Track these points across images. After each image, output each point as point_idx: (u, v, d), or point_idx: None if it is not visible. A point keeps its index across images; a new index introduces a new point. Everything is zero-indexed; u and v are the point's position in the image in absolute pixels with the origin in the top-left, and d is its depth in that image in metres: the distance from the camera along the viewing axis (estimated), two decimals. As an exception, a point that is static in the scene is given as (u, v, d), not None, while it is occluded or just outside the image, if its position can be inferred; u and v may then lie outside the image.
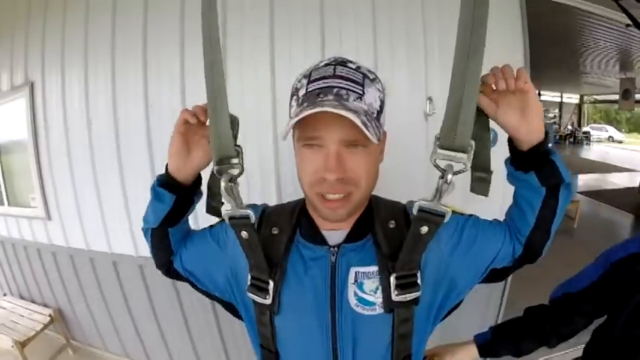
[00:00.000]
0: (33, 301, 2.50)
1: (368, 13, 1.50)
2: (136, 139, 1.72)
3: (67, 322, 2.43)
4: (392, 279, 0.58)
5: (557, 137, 16.17)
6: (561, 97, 18.46)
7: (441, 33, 1.52)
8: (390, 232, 0.63)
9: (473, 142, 0.52)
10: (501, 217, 0.70)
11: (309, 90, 0.57)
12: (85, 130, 1.83)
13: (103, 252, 1.96)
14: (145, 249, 1.82)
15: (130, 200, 1.81)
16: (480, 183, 0.59)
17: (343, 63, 0.58)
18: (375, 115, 0.56)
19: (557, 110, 18.95)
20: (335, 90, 0.54)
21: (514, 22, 1.57)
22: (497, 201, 1.57)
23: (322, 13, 1.50)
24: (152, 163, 1.71)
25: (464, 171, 0.52)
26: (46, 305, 2.42)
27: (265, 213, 0.70)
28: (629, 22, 2.51)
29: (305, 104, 0.54)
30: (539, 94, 15.20)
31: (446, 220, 0.54)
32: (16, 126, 2.16)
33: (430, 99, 1.52)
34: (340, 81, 0.56)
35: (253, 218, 0.58)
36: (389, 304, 0.59)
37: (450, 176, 0.51)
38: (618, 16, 2.50)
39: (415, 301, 0.59)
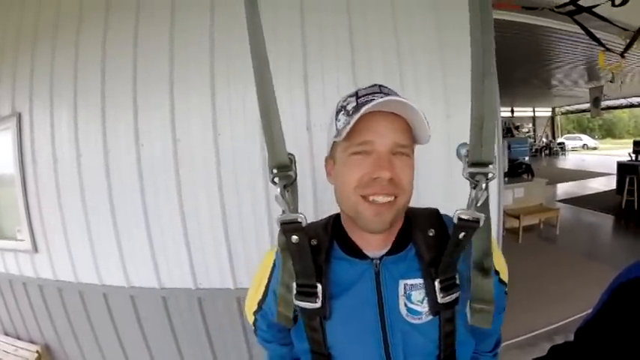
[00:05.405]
0: (19, 338, 2.40)
1: (347, 48, 1.58)
2: (126, 170, 1.73)
3: (56, 359, 2.34)
4: (436, 284, 0.63)
5: (533, 151, 16.80)
6: (534, 111, 19.31)
7: (415, 62, 1.60)
8: (431, 241, 0.67)
9: (497, 154, 0.59)
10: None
11: (360, 102, 0.62)
12: (74, 161, 1.84)
13: (92, 284, 1.93)
14: (136, 279, 1.83)
15: (121, 230, 1.80)
16: (481, 314, 0.64)
17: (385, 86, 0.66)
18: None
19: (530, 125, 19.73)
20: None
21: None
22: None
23: (304, 45, 1.58)
24: (143, 193, 1.73)
25: (493, 178, 0.59)
26: (32, 342, 2.33)
27: None
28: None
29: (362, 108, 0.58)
30: (512, 111, 15.77)
31: (480, 224, 0.59)
32: (2, 157, 2.14)
33: None
34: (389, 96, 0.61)
35: (305, 222, 0.61)
36: (435, 308, 0.64)
37: (484, 185, 0.57)
38: (580, 29, 2.69)
39: (457, 300, 0.65)
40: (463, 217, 0.59)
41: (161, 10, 1.65)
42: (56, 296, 2.10)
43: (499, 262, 0.75)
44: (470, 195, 0.59)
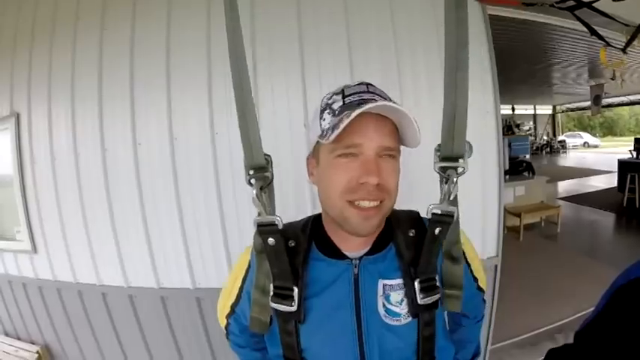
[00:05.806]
0: (18, 338, 2.40)
1: (344, 45, 1.57)
2: (123, 170, 1.73)
3: (55, 359, 2.34)
4: (416, 284, 0.62)
5: (534, 148, 16.81)
6: (534, 109, 19.27)
7: (413, 60, 1.59)
8: (411, 241, 0.66)
9: (467, 147, 0.59)
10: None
11: (347, 102, 0.60)
12: (72, 161, 1.83)
13: (91, 284, 1.93)
14: (135, 279, 1.82)
15: (119, 229, 1.80)
16: (451, 299, 0.65)
17: (372, 84, 0.64)
18: None
19: (531, 122, 19.69)
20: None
21: (480, 44, 1.65)
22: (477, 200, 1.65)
23: (301, 45, 1.56)
24: (140, 192, 1.72)
25: (464, 173, 0.59)
26: (32, 342, 2.33)
27: None
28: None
29: (348, 111, 0.55)
30: (513, 109, 15.73)
31: (455, 218, 0.59)
32: (0, 158, 2.13)
33: None
34: (377, 96, 0.60)
35: (281, 224, 0.60)
36: (415, 309, 0.62)
37: (455, 178, 0.58)
38: (581, 26, 2.66)
39: (436, 303, 0.63)
40: (436, 211, 0.60)
41: (158, 8, 1.64)
42: (55, 296, 2.10)
43: (477, 268, 0.74)
44: (442, 190, 0.60)
